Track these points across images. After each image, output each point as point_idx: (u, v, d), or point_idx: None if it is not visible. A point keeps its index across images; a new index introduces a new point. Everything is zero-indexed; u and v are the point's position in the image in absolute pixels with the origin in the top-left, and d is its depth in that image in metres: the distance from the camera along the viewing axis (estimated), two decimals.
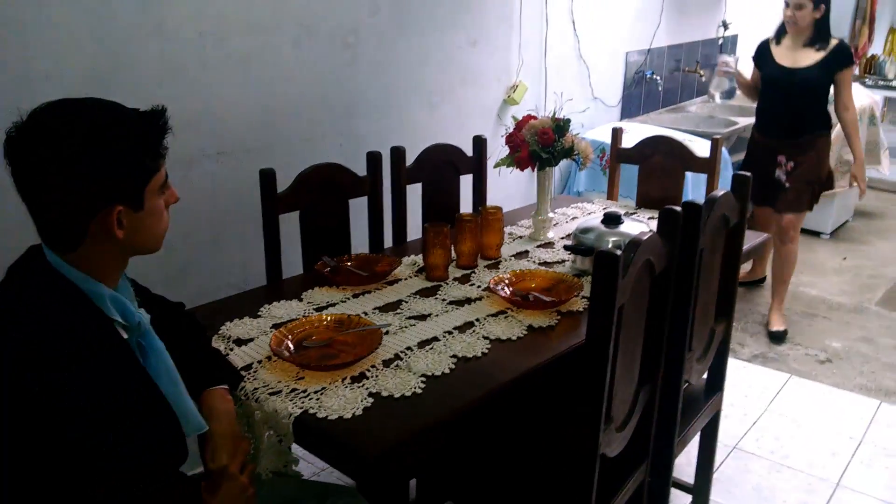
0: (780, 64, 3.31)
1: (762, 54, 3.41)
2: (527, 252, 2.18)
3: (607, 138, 2.94)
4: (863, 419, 2.81)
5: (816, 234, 4.79)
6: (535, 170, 2.23)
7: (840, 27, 6.81)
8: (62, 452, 1.03)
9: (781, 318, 3.53)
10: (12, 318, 1.05)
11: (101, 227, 1.08)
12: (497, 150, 2.87)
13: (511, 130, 2.24)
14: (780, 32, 3.36)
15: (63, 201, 1.06)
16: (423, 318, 1.72)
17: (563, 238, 2.29)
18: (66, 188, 1.05)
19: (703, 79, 4.77)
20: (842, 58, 3.24)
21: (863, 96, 4.71)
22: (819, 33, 3.25)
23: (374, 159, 2.28)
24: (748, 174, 1.89)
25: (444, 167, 2.51)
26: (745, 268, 3.91)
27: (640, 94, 4.26)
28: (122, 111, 1.11)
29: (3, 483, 1.02)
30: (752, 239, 2.22)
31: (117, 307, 1.13)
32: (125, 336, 1.15)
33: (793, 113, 3.35)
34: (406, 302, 1.81)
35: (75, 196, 1.05)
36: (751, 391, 3.01)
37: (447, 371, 1.47)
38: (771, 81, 3.37)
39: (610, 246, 1.93)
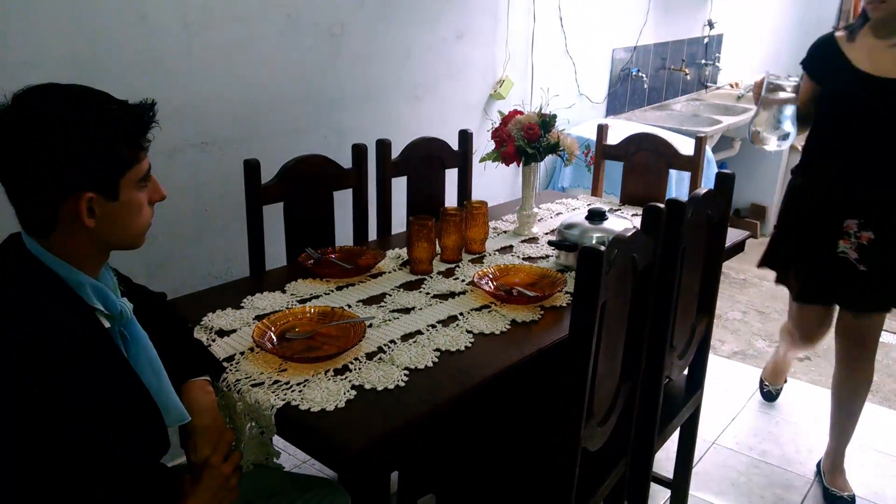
0: (863, 71, 2.08)
1: (827, 57, 2.18)
2: (511, 247, 2.18)
3: (592, 135, 2.95)
4: None
5: None
6: (521, 165, 2.23)
7: (824, 28, 6.88)
8: (47, 445, 1.01)
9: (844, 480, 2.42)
10: None
11: (72, 213, 1.07)
12: (483, 144, 2.87)
13: (497, 125, 2.24)
14: (859, 24, 2.16)
15: (34, 183, 1.05)
16: (406, 311, 1.72)
17: (547, 233, 2.30)
18: (37, 169, 1.04)
19: (689, 77, 4.80)
20: None
21: None
22: None
23: (359, 152, 2.28)
24: (732, 173, 1.90)
25: (429, 161, 2.51)
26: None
27: (625, 92, 4.28)
28: (106, 99, 1.10)
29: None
30: (734, 237, 2.24)
31: (98, 296, 1.12)
32: (107, 325, 1.14)
33: (884, 150, 2.09)
34: (390, 295, 1.81)
35: (45, 178, 1.04)
36: (730, 387, 3.04)
37: (430, 364, 1.47)
38: (846, 99, 2.13)
39: (594, 242, 1.94)
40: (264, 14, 2.33)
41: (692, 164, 2.63)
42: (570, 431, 1.41)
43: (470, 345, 1.56)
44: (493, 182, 3.38)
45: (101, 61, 1.97)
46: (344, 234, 2.32)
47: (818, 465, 2.53)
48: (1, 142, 1.04)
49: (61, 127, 1.04)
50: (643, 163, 2.68)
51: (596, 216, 2.01)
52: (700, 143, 2.61)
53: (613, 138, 2.80)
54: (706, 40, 4.92)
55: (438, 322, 1.66)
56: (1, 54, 1.77)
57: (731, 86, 5.00)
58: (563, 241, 2.00)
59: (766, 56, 5.84)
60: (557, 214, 2.52)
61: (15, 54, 1.80)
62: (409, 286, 1.86)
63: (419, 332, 1.61)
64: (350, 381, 1.40)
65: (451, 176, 2.61)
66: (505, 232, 2.32)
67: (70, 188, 1.05)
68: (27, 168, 1.04)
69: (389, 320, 1.66)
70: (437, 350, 1.53)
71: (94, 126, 1.06)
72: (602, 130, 2.79)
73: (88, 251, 1.12)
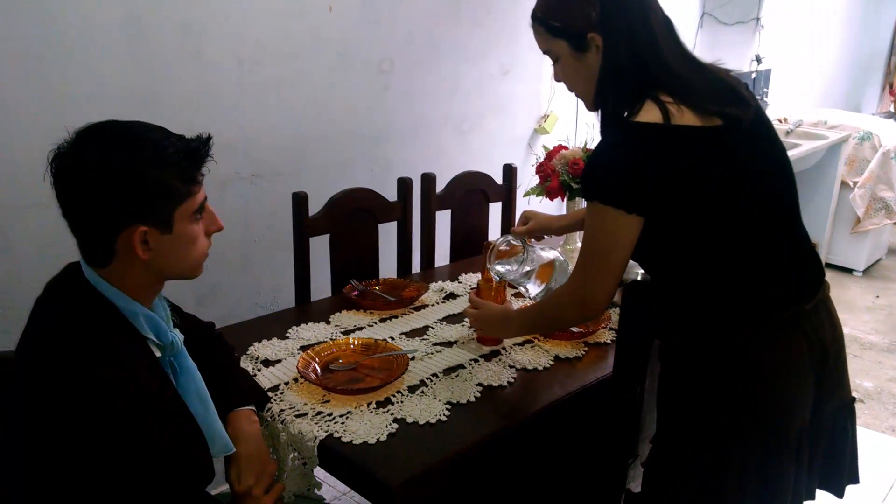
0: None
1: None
2: None
3: None
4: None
5: (849, 271, 4.72)
6: (565, 200, 2.23)
7: (875, 64, 6.77)
8: (98, 472, 1.04)
9: None
10: (50, 335, 1.07)
11: (127, 245, 1.09)
12: (527, 178, 2.87)
13: (542, 160, 2.25)
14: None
15: (90, 216, 1.08)
16: (449, 344, 1.72)
17: None
18: (93, 204, 1.07)
19: None
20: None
21: None
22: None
23: (404, 185, 2.31)
24: None
25: (473, 194, 2.52)
26: None
27: None
28: (162, 135, 1.12)
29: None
30: None
31: (151, 326, 1.15)
32: (158, 355, 1.17)
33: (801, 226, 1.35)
34: (433, 328, 1.81)
35: (100, 212, 1.07)
36: None
37: (473, 399, 1.47)
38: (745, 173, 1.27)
39: (638, 277, 1.92)
40: (315, 51, 2.39)
41: None
42: (614, 472, 1.38)
43: (512, 380, 1.56)
44: None
45: (159, 96, 2.04)
46: (388, 266, 2.34)
47: None
48: (61, 177, 1.07)
49: (113, 164, 1.06)
50: None
51: None
52: None
53: None
54: (754, 76, 4.87)
55: (481, 356, 1.66)
56: (65, 88, 1.85)
57: (780, 121, 4.94)
58: None
59: (816, 90, 5.76)
60: None
61: (79, 88, 1.87)
62: (451, 319, 1.87)
63: (461, 366, 1.61)
64: (392, 414, 1.40)
65: (496, 209, 2.62)
66: None
67: (123, 222, 1.08)
68: (83, 203, 1.07)
69: (432, 353, 1.67)
70: (480, 385, 1.53)
71: (146, 162, 1.08)
72: None
73: (144, 281, 1.15)
